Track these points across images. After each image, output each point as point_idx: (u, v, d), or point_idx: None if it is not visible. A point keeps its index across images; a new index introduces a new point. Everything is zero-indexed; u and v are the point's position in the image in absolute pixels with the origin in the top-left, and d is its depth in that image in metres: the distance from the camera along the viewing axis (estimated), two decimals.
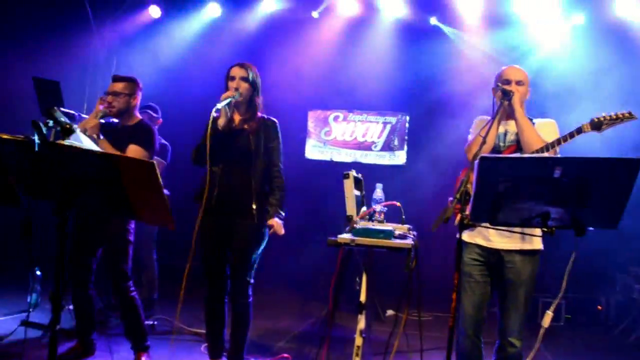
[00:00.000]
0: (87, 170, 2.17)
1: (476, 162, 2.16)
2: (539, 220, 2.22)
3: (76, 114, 4.43)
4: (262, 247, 3.46)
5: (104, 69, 7.30)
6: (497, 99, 2.99)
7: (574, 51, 6.49)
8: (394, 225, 3.33)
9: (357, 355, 3.04)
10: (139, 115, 3.88)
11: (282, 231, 3.39)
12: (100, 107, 3.69)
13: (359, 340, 3.06)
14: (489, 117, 2.94)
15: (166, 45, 7.55)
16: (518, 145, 3.01)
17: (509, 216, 2.29)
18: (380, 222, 3.33)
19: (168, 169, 5.20)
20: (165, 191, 4.64)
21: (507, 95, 2.93)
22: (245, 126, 3.44)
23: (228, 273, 3.48)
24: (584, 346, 5.48)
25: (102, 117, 3.63)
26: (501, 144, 3.07)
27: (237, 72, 3.41)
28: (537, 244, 3.00)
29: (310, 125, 7.73)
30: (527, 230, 2.85)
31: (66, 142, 2.24)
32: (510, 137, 3.06)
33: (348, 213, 3.24)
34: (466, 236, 3.00)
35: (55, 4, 6.77)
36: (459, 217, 2.39)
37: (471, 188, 2.26)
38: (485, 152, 2.84)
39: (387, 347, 3.53)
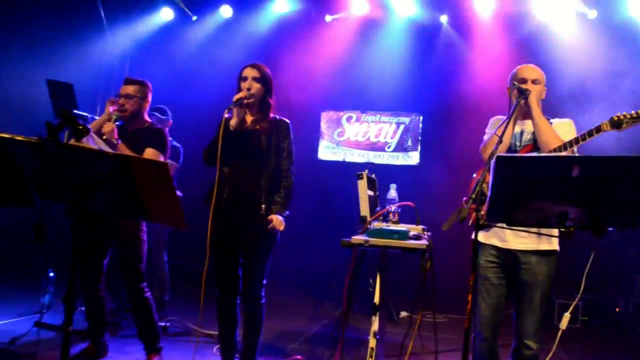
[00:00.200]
0: (100, 171, 2.17)
1: (492, 161, 2.12)
2: (556, 220, 2.18)
3: (89, 116, 4.46)
4: (273, 248, 3.44)
5: (116, 72, 7.33)
6: (512, 98, 2.95)
7: (588, 49, 6.40)
8: (408, 225, 3.30)
9: (370, 357, 3.02)
10: (148, 118, 3.89)
11: (281, 227, 3.34)
12: (111, 109, 3.70)
13: (372, 342, 3.04)
14: (505, 117, 2.90)
15: (179, 48, 7.59)
16: (534, 145, 2.96)
17: (525, 216, 2.25)
18: (394, 222, 3.31)
19: (180, 171, 5.21)
20: (178, 192, 4.68)
21: (523, 93, 2.89)
22: (257, 126, 3.43)
23: (240, 274, 3.47)
24: (601, 348, 5.41)
25: (115, 121, 3.65)
26: (517, 144, 3.02)
27: (249, 72, 3.40)
28: (554, 244, 2.95)
29: (323, 126, 7.71)
30: (543, 230, 2.81)
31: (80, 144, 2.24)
32: (527, 136, 3.02)
33: (362, 213, 3.22)
34: (481, 237, 2.96)
35: (69, 7, 6.81)
36: (473, 216, 2.36)
37: (487, 188, 2.23)
38: (501, 152, 2.80)
39: (402, 348, 3.50)
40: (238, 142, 3.35)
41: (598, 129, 2.78)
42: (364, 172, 3.26)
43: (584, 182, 2.05)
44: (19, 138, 2.13)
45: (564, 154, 2.79)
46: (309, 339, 4.96)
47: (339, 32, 7.39)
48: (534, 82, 2.98)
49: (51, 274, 4.70)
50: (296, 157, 3.53)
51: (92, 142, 3.32)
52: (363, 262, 3.30)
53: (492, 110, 3.27)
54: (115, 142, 3.55)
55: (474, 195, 2.39)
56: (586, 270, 2.44)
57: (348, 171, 6.12)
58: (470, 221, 2.84)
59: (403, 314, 5.91)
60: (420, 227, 3.34)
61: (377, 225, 3.18)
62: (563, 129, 2.93)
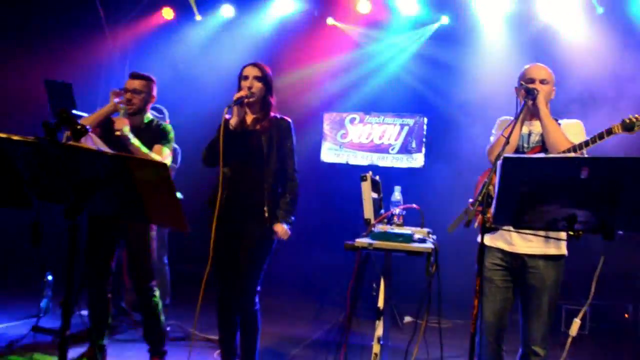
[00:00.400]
0: (99, 172, 2.12)
1: (499, 162, 2.07)
2: (564, 223, 2.12)
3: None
4: (270, 253, 3.39)
5: (116, 71, 7.31)
6: (520, 99, 2.90)
7: (596, 48, 6.33)
8: (413, 228, 3.25)
9: None
10: (150, 114, 3.84)
11: (286, 237, 3.33)
12: (116, 100, 3.65)
13: (376, 348, 3.00)
14: (512, 118, 2.84)
15: (179, 48, 7.55)
16: (543, 147, 2.90)
17: (533, 219, 2.20)
18: (399, 225, 3.25)
19: (178, 173, 5.16)
20: (179, 194, 4.63)
21: (531, 94, 2.83)
22: (258, 126, 3.39)
23: None
24: (611, 355, 5.33)
25: (123, 115, 3.60)
26: (525, 145, 2.96)
27: (250, 71, 3.36)
28: (562, 248, 2.89)
29: (326, 127, 7.65)
30: (551, 234, 2.75)
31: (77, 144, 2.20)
32: (535, 137, 2.96)
33: (366, 216, 3.16)
34: (487, 240, 2.91)
35: (69, 7, 6.79)
36: (479, 219, 2.30)
37: (493, 190, 2.18)
38: (508, 153, 2.74)
39: (406, 354, 3.43)
40: (237, 142, 3.30)
41: (609, 132, 2.72)
42: (368, 174, 3.21)
43: (593, 184, 2.00)
44: (15, 138, 2.08)
45: (572, 155, 2.74)
46: (312, 344, 4.90)
47: (342, 32, 7.35)
48: (542, 82, 2.93)
49: (49, 278, 4.66)
50: (298, 158, 3.49)
51: (91, 142, 3.28)
52: (366, 266, 3.24)
53: (498, 111, 3.22)
54: (130, 139, 3.48)
55: (480, 198, 2.34)
56: (596, 274, 2.37)
57: (351, 173, 6.06)
58: (477, 224, 2.79)
59: (407, 319, 5.85)
60: (425, 229, 3.29)
61: (381, 228, 3.13)
62: (572, 130, 2.87)
